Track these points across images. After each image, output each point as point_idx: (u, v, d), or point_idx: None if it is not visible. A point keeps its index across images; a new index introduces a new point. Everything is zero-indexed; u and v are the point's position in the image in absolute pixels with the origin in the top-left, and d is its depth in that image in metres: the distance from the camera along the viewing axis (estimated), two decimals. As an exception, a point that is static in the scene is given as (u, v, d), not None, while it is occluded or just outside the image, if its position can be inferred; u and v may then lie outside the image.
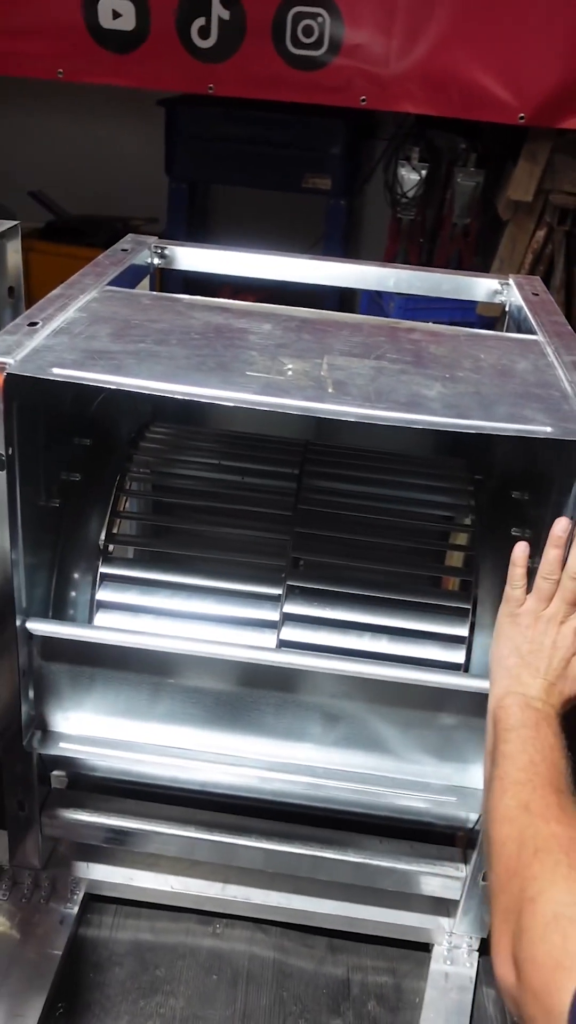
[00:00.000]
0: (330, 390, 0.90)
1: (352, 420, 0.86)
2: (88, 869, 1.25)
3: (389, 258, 3.19)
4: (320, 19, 2.55)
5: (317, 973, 1.20)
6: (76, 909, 1.22)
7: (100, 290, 1.14)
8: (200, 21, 2.59)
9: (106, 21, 2.63)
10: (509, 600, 0.93)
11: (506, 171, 2.87)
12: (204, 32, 2.61)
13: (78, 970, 1.18)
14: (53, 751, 1.12)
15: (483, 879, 1.12)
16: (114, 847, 1.23)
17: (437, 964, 1.19)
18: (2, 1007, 1.11)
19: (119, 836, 1.21)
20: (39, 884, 1.24)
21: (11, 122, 3.50)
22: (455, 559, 1.27)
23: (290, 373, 0.93)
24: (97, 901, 1.25)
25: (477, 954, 1.20)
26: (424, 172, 3.05)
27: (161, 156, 3.26)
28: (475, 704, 1.03)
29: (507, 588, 0.93)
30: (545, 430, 0.86)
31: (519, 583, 0.92)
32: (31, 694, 1.10)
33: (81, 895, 1.23)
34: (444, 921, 1.21)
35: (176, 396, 0.87)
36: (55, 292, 1.11)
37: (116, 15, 2.62)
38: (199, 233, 3.41)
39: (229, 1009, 1.14)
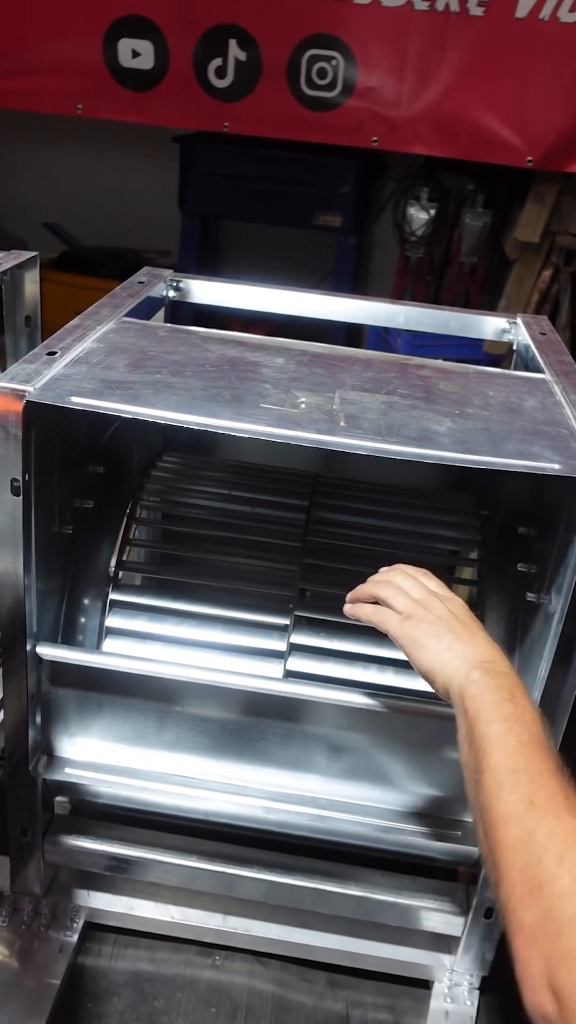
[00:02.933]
0: (342, 424, 0.92)
1: (364, 453, 0.87)
2: (89, 897, 1.25)
3: (397, 295, 3.23)
4: (334, 62, 2.61)
5: (316, 1008, 1.19)
6: (76, 937, 1.22)
7: (117, 321, 1.16)
8: (217, 61, 2.66)
9: (125, 60, 2.70)
10: (390, 620, 0.91)
11: (513, 212, 2.92)
12: (221, 72, 2.67)
13: (76, 1000, 1.17)
14: (58, 777, 1.12)
15: (489, 894, 1.12)
16: (115, 875, 1.23)
17: (437, 1002, 1.19)
18: (-1, 1036, 1.11)
19: (121, 864, 1.21)
20: (39, 911, 1.23)
21: (30, 155, 3.57)
22: (461, 593, 1.27)
23: (303, 406, 0.95)
24: (97, 930, 1.25)
25: (478, 992, 1.19)
26: (433, 211, 3.10)
27: (174, 191, 3.31)
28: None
29: (383, 619, 0.92)
30: (553, 467, 0.87)
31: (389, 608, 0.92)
32: (38, 719, 1.10)
33: (81, 923, 1.23)
34: (445, 958, 1.21)
35: (192, 426, 0.88)
36: (73, 322, 1.13)
37: (135, 54, 2.68)
38: (210, 267, 3.46)
39: (227, 1043, 1.13)
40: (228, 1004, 1.18)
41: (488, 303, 3.08)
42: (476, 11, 2.48)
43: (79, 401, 0.90)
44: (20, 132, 3.37)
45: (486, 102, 2.59)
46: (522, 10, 2.45)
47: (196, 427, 0.89)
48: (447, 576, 1.31)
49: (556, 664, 0.96)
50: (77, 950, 1.21)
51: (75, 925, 1.23)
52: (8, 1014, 1.12)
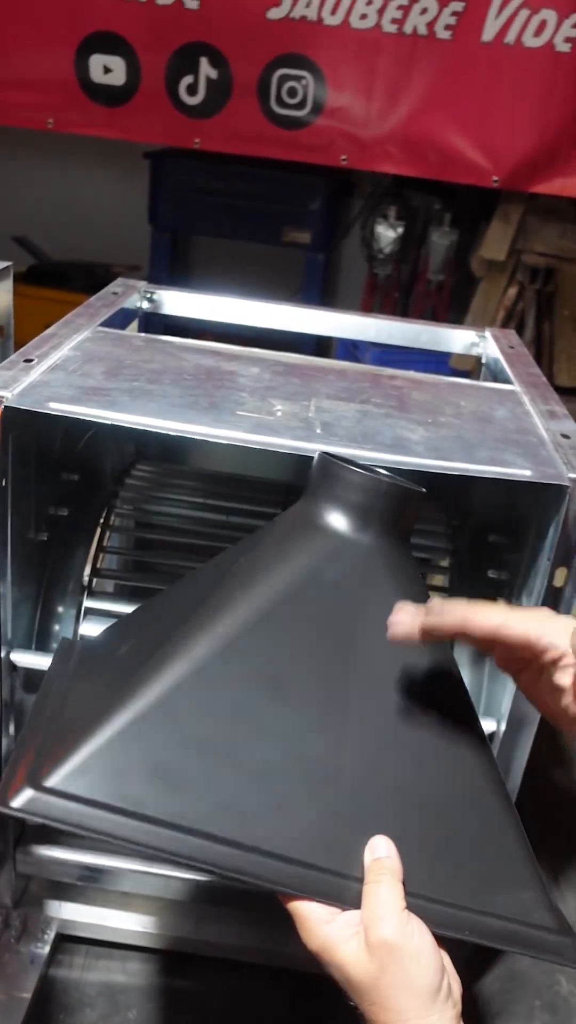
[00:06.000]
0: (318, 431, 0.93)
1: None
2: (60, 908, 1.24)
3: (366, 311, 3.27)
4: (304, 81, 2.65)
5: (291, 1015, 1.19)
6: (47, 949, 1.21)
7: (93, 330, 1.17)
8: (188, 79, 2.69)
9: (97, 75, 2.72)
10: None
11: (479, 231, 2.97)
12: (192, 89, 2.70)
13: (48, 1012, 1.16)
14: (31, 785, 1.12)
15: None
16: (87, 885, 1.22)
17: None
18: (-31, 1050, 1.09)
19: (93, 874, 1.20)
20: (10, 923, 1.22)
21: (-1, 169, 3.57)
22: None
23: (279, 414, 0.96)
24: (69, 941, 1.24)
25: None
26: (400, 230, 3.16)
27: (144, 206, 3.33)
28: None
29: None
30: (525, 473, 0.90)
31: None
32: (11, 728, 1.10)
33: (52, 935, 1.22)
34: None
35: (170, 432, 0.89)
36: (49, 331, 1.14)
37: (107, 70, 2.70)
38: (181, 283, 3.47)
39: (201, 1052, 1.13)
40: (202, 1013, 1.18)
41: (455, 320, 3.13)
42: (443, 34, 2.54)
43: (57, 407, 0.91)
44: (-10, 145, 3.37)
45: (453, 123, 2.65)
46: (488, 34, 2.52)
47: (175, 433, 0.89)
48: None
49: (527, 668, 0.98)
50: (49, 962, 1.20)
51: (47, 937, 1.22)
52: (-21, 1027, 1.11)
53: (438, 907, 0.68)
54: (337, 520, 0.78)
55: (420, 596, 0.77)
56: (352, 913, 0.67)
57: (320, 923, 0.67)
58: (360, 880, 0.68)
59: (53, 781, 0.67)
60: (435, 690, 0.76)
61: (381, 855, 0.69)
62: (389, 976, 0.63)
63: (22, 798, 0.66)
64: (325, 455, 0.81)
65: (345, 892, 0.68)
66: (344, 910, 0.67)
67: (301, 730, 0.73)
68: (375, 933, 0.65)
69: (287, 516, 0.84)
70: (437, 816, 0.73)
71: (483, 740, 0.77)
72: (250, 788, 0.70)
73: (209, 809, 0.69)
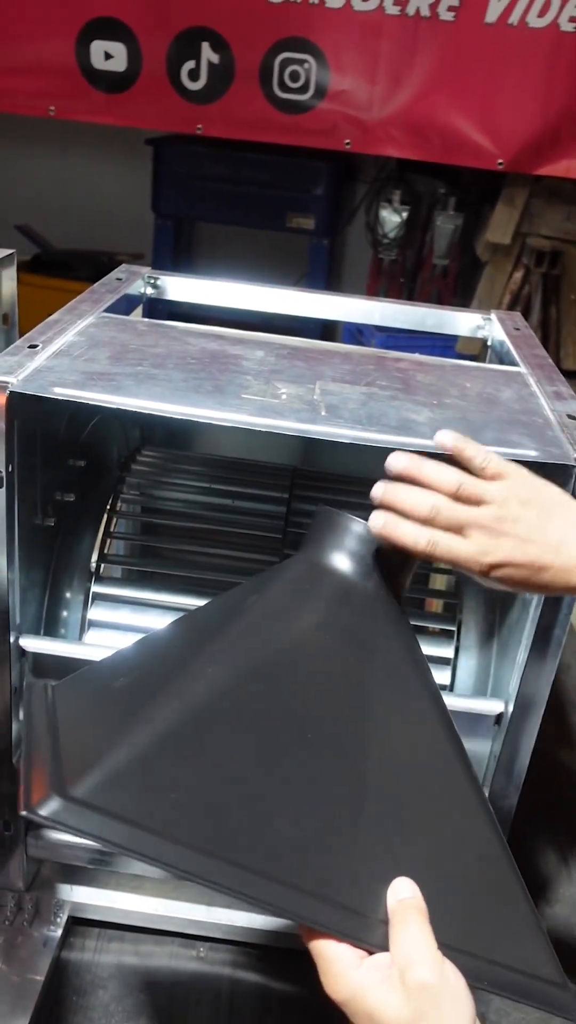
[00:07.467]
0: (323, 413, 0.93)
1: (346, 442, 0.89)
2: (72, 891, 1.25)
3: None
4: (306, 65, 2.64)
5: (302, 996, 1.20)
6: (59, 932, 1.21)
7: (97, 316, 1.17)
8: (190, 64, 2.67)
9: (98, 62, 2.71)
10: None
11: (484, 214, 2.96)
12: (194, 75, 2.69)
13: (61, 994, 1.17)
14: (42, 769, 1.12)
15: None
16: (99, 868, 1.23)
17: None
18: (-17, 1031, 1.11)
19: (104, 857, 1.21)
20: (22, 907, 1.23)
21: (1, 157, 3.56)
22: (440, 582, 1.30)
23: (284, 397, 0.96)
24: (81, 924, 1.25)
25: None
26: (405, 214, 3.14)
27: (147, 193, 3.32)
28: (462, 723, 1.05)
29: None
30: (530, 454, 0.89)
31: None
32: (21, 712, 1.10)
33: (65, 918, 1.23)
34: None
35: (175, 416, 0.89)
36: (53, 317, 1.14)
37: (108, 56, 2.69)
38: (184, 270, 3.46)
39: (213, 1032, 1.14)
40: (213, 994, 1.18)
41: (460, 304, 3.12)
42: (446, 16, 2.52)
43: (62, 392, 0.91)
44: (-8, 134, 3.36)
45: (457, 105, 2.63)
46: (492, 15, 2.50)
47: (179, 417, 0.90)
48: (425, 567, 1.33)
49: (534, 649, 0.98)
50: (61, 945, 1.21)
51: (59, 920, 1.23)
52: (-8, 1009, 1.12)
53: (460, 955, 0.65)
54: (344, 566, 0.81)
55: (412, 641, 0.82)
56: (381, 956, 0.62)
57: (349, 967, 0.61)
58: (384, 922, 0.64)
59: (80, 792, 0.66)
60: (439, 750, 0.77)
61: (406, 896, 0.64)
62: (428, 1022, 0.59)
63: (50, 806, 0.65)
64: (328, 509, 0.84)
65: (372, 933, 0.63)
66: (371, 952, 0.62)
67: (321, 770, 0.72)
68: (413, 975, 0.59)
69: (293, 561, 0.86)
70: (449, 870, 0.72)
71: (482, 794, 0.77)
72: (273, 822, 0.69)
73: (236, 839, 0.67)
